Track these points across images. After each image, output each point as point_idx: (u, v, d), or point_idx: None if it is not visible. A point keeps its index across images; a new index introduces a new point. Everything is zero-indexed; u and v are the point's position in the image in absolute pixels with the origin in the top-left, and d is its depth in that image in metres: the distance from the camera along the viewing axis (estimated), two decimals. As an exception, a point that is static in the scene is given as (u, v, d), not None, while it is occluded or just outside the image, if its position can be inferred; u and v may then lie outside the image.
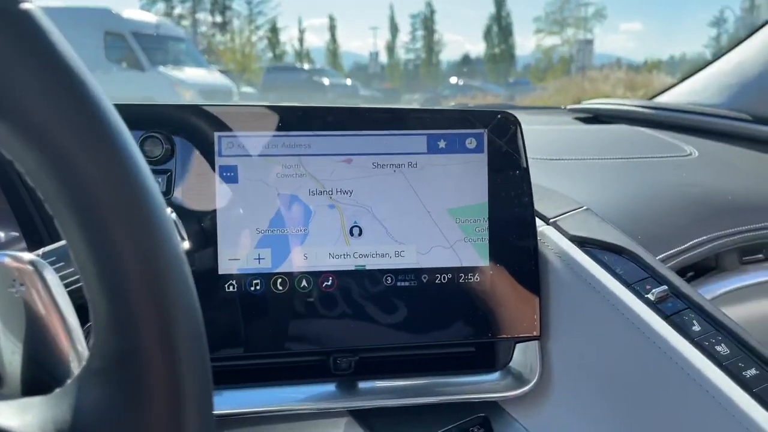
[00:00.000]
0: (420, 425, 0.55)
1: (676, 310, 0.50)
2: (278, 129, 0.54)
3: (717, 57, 1.23)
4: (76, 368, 0.28)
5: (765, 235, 0.83)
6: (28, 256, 0.31)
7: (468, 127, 0.56)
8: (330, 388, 0.56)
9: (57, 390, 0.26)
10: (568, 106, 1.32)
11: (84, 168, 0.23)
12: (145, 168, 0.25)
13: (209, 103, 0.55)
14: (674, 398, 0.46)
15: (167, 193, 0.53)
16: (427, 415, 0.56)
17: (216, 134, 0.53)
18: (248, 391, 0.55)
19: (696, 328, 0.48)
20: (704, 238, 0.76)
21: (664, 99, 1.26)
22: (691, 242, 0.75)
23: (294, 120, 0.54)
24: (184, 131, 0.53)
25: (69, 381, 0.26)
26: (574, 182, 0.77)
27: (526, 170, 0.56)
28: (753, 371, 0.45)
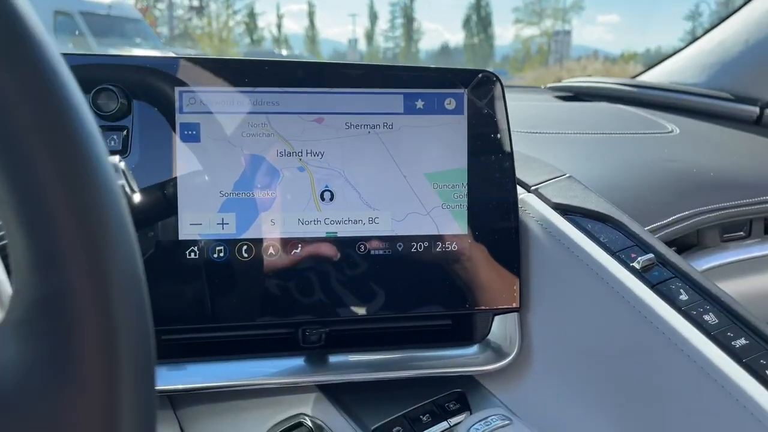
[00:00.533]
0: (393, 401, 0.52)
1: (663, 278, 0.47)
2: (244, 85, 0.50)
3: (698, 36, 1.21)
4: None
5: (746, 212, 0.81)
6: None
7: (447, 86, 0.53)
8: (299, 361, 0.53)
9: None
10: (548, 85, 1.30)
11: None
12: (71, 85, 0.21)
13: (170, 55, 0.51)
14: (660, 370, 0.44)
15: (123, 151, 0.49)
16: (401, 391, 0.53)
17: (177, 89, 0.50)
18: (213, 364, 0.52)
19: (683, 297, 0.46)
20: (686, 213, 0.75)
21: (646, 78, 1.24)
22: (673, 217, 0.73)
23: (262, 75, 0.51)
24: (143, 85, 0.49)
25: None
26: (555, 155, 0.74)
27: (508, 133, 0.54)
28: (742, 341, 0.43)
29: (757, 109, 1.05)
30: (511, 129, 0.54)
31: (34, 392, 0.20)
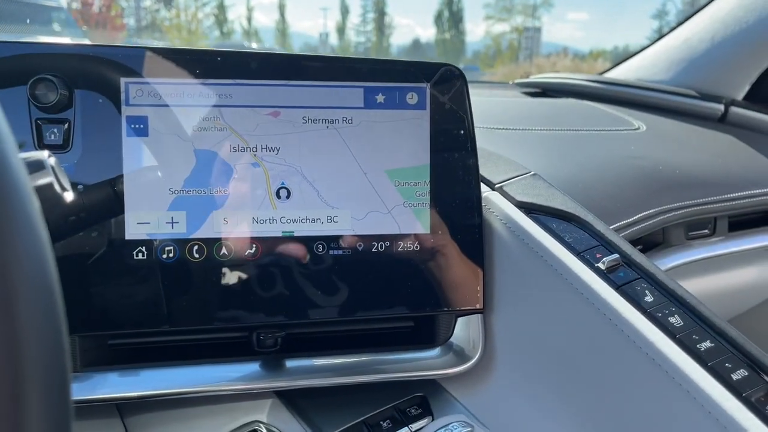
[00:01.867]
0: (353, 406, 0.51)
1: (628, 279, 0.46)
2: (196, 76, 0.48)
3: (665, 34, 1.22)
4: None
5: (710, 209, 0.81)
6: None
7: (409, 80, 0.51)
8: (254, 367, 0.50)
9: None
10: (516, 81, 1.29)
11: None
12: None
13: (117, 44, 0.48)
14: (625, 372, 0.43)
15: (64, 146, 0.46)
16: (361, 395, 0.51)
17: (123, 80, 0.47)
18: (163, 370, 0.49)
19: (648, 298, 0.45)
20: (652, 211, 0.74)
21: (613, 75, 1.24)
22: (639, 215, 0.72)
23: (214, 66, 0.48)
24: (86, 75, 0.46)
25: None
26: (520, 152, 0.73)
27: (472, 130, 0.52)
28: (708, 344, 0.42)
29: (721, 107, 1.06)
30: (476, 125, 0.52)
31: None
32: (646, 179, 0.79)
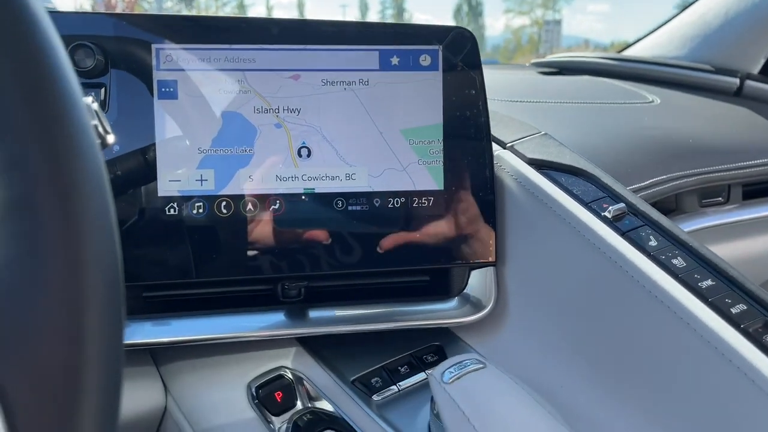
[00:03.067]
0: (372, 354, 0.53)
1: (633, 226, 0.48)
2: (221, 42, 0.51)
3: (681, 10, 1.22)
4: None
5: (724, 177, 0.82)
6: None
7: (422, 43, 0.53)
8: (279, 316, 0.53)
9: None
10: (533, 61, 1.31)
11: None
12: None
13: (146, 12, 0.51)
14: (631, 313, 0.45)
15: (102, 109, 0.49)
16: (380, 345, 0.54)
17: (154, 46, 0.50)
18: (194, 319, 0.52)
19: (652, 243, 0.47)
20: (664, 177, 0.76)
21: (629, 53, 1.25)
22: (650, 180, 0.74)
23: (238, 32, 0.51)
24: (120, 42, 0.50)
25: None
26: (534, 122, 0.75)
27: (483, 90, 0.54)
28: (709, 282, 0.44)
29: (737, 81, 1.06)
30: (492, 98, 0.55)
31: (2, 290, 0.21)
32: (658, 147, 0.80)
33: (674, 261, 0.45)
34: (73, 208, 0.22)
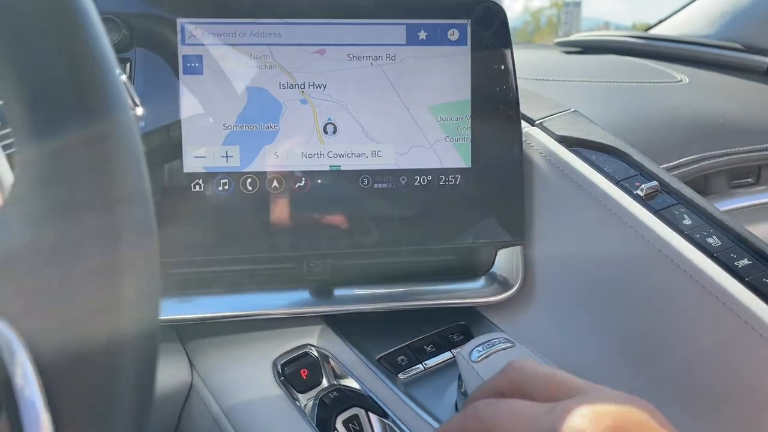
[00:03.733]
0: (398, 333, 0.53)
1: (666, 204, 0.47)
2: (246, 16, 0.50)
3: (710, -12, 1.19)
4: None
5: (754, 157, 0.81)
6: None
7: (450, 17, 0.52)
8: (304, 294, 0.53)
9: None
10: (557, 41, 1.28)
11: None
12: None
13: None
14: (664, 292, 0.44)
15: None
16: (405, 324, 0.54)
17: (179, 21, 0.49)
18: (219, 297, 0.52)
19: (687, 221, 0.46)
20: (694, 156, 0.74)
21: (658, 31, 1.23)
22: (679, 160, 0.72)
23: (264, 7, 0.50)
24: (144, 17, 0.49)
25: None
26: (560, 100, 0.74)
27: (512, 65, 0.53)
28: (745, 261, 0.43)
29: (767, 60, 1.04)
30: (517, 76, 0.53)
31: (41, 254, 0.21)
32: (687, 127, 0.78)
33: (709, 240, 0.44)
34: (111, 174, 0.21)
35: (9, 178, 0.27)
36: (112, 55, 0.23)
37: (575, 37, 1.25)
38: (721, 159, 0.77)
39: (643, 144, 0.72)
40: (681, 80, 0.94)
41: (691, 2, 1.20)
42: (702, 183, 0.80)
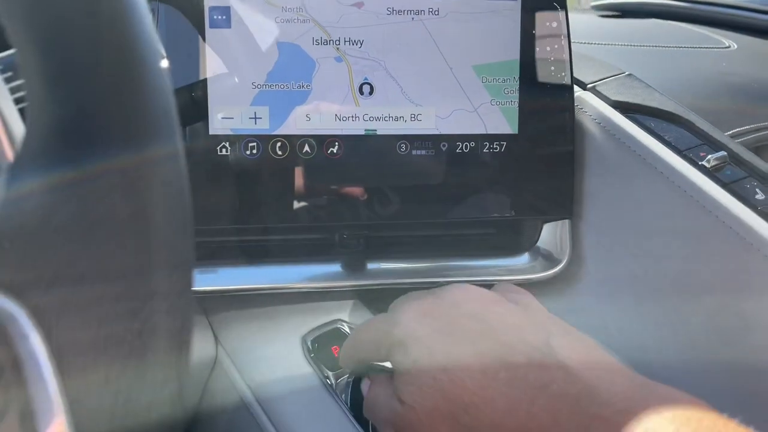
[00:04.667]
0: (435, 310, 0.50)
1: (736, 177, 0.43)
2: (278, -36, 0.46)
3: (758, -51, 1.12)
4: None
5: (809, 129, 0.76)
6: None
7: (499, -29, 0.48)
8: (335, 267, 0.50)
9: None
10: (592, 4, 1.22)
11: None
12: None
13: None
14: (736, 273, 0.40)
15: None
16: (443, 300, 0.50)
17: (205, -31, 0.45)
18: (246, 268, 0.49)
19: (760, 196, 0.42)
20: (746, 128, 0.69)
21: (698, -5, 1.16)
22: (732, 131, 0.68)
23: (297, -45, 0.46)
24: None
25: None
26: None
27: (566, 24, 0.49)
28: (828, 241, 0.39)
29: (820, 26, 0.98)
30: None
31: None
32: (738, 96, 0.74)
33: (787, 217, 0.40)
34: (137, 120, 0.18)
35: (21, 131, 0.23)
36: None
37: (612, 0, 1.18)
38: (775, 130, 0.72)
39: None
40: (729, 46, 0.89)
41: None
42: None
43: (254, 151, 0.47)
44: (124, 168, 0.19)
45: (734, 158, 0.45)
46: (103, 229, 0.19)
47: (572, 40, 0.78)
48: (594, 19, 1.06)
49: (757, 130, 0.71)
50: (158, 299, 0.20)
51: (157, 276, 0.20)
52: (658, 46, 0.83)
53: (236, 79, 0.46)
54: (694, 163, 0.44)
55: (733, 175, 0.43)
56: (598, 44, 0.79)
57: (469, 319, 0.33)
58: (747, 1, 1.06)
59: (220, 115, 0.46)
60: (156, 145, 0.20)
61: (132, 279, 0.20)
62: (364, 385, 0.41)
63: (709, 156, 0.44)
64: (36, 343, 0.17)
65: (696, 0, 1.07)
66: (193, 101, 0.46)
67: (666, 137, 0.46)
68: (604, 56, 0.75)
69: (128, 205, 0.19)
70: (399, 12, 0.47)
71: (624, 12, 1.13)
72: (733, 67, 0.81)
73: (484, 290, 0.36)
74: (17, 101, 0.29)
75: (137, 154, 0.20)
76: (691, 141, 0.46)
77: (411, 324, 0.34)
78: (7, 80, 0.29)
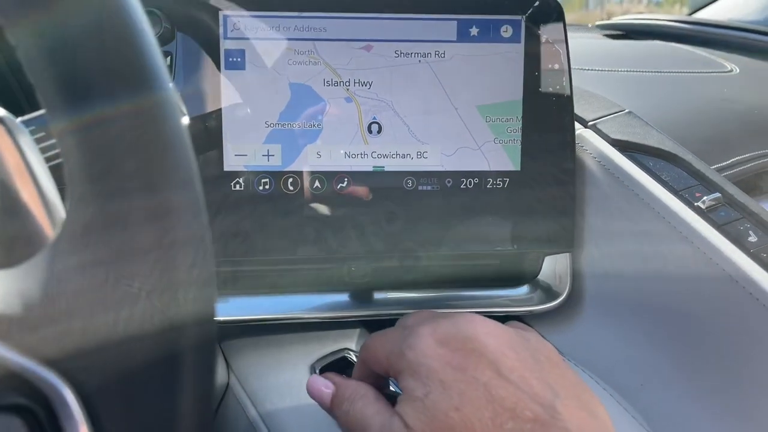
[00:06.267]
0: (439, 339, 0.51)
1: (730, 219, 0.45)
2: (291, 9, 0.48)
3: (762, -30, 1.14)
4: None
5: (810, 155, 0.77)
6: (-3, 112, 0.26)
7: (503, 12, 0.49)
8: (343, 297, 0.52)
9: (27, 261, 0.21)
10: (597, 23, 1.24)
11: None
12: None
13: (213, -22, 0.48)
14: (726, 314, 0.42)
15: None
16: (447, 330, 0.52)
17: (221, 14, 0.47)
18: (257, 298, 0.51)
19: (752, 239, 0.43)
20: (747, 155, 0.71)
21: (702, 15, 1.18)
22: (734, 158, 0.69)
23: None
24: (186, 9, 0.47)
25: (42, 250, 0.21)
26: (607, 93, 0.71)
27: (568, 65, 0.50)
28: (817, 285, 0.40)
29: (823, 49, 0.99)
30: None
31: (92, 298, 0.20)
32: (741, 122, 0.75)
33: (777, 260, 0.42)
34: (169, 208, 0.20)
35: (56, 200, 0.25)
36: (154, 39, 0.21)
37: (618, 20, 1.20)
38: (775, 157, 0.73)
39: (696, 141, 0.69)
40: (731, 70, 0.90)
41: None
42: (752, 181, 0.77)
43: (267, 187, 0.49)
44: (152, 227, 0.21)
45: (728, 199, 0.47)
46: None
47: (577, 66, 0.80)
48: (598, 41, 1.07)
49: (758, 157, 0.72)
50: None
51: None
52: (661, 72, 0.85)
53: (250, 118, 0.48)
54: (689, 204, 0.46)
55: (727, 217, 0.45)
56: (602, 70, 0.81)
57: (483, 359, 0.33)
58: (749, 22, 1.08)
59: (234, 153, 0.48)
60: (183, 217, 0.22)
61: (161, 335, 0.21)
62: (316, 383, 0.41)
63: (705, 197, 0.46)
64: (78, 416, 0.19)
65: (699, 22, 1.08)
66: (210, 139, 0.48)
67: (663, 177, 0.48)
68: (607, 83, 0.77)
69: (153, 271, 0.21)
70: (406, 54, 0.49)
71: (628, 32, 1.15)
72: (735, 92, 0.82)
73: (500, 326, 0.36)
74: (48, 159, 0.31)
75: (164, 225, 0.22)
76: (688, 181, 0.48)
77: (426, 351, 0.34)
78: (39, 140, 0.30)
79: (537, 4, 0.50)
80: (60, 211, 0.25)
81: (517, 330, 0.37)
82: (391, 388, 0.44)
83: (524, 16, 0.49)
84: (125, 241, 0.20)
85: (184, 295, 0.20)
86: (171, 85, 0.21)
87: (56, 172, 0.31)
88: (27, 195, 0.24)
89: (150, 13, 0.46)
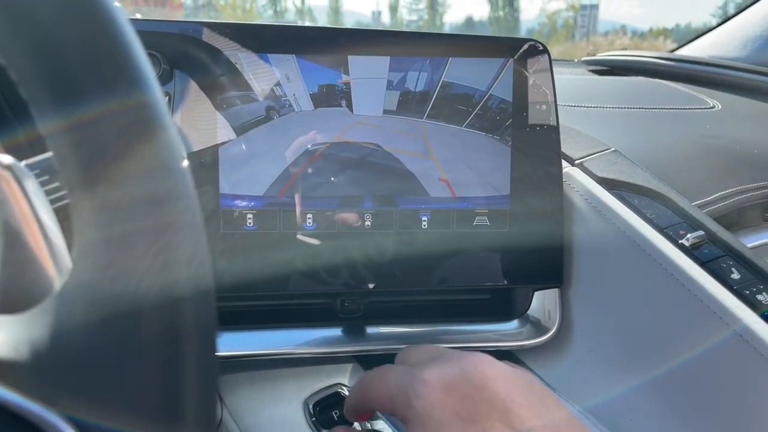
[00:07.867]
0: (431, 374, 0.52)
1: (714, 256, 0.46)
2: (287, 51, 0.49)
3: (741, 9, 1.17)
4: (58, 285, 0.24)
5: (791, 190, 0.79)
6: (5, 159, 0.27)
7: (492, 55, 0.51)
8: (336, 332, 0.53)
9: (35, 307, 0.22)
10: (583, 59, 1.27)
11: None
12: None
13: (215, 20, 0.50)
14: (711, 350, 0.43)
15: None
16: (439, 364, 0.53)
17: (220, 54, 0.49)
18: (251, 333, 0.52)
19: (735, 276, 0.45)
20: (729, 191, 0.72)
21: (684, 52, 1.21)
22: (715, 195, 0.71)
23: (300, 40, 0.50)
24: (185, 52, 0.49)
25: (50, 297, 0.22)
26: (593, 130, 0.73)
27: (555, 106, 0.52)
28: (798, 321, 0.41)
29: (802, 86, 1.02)
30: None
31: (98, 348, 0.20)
32: (722, 158, 0.77)
33: (759, 297, 0.43)
34: (174, 259, 0.21)
35: (61, 245, 0.26)
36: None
37: (603, 56, 1.23)
38: (757, 192, 0.75)
39: (678, 178, 0.70)
40: (713, 106, 0.93)
41: (720, 24, 1.19)
42: (735, 216, 0.79)
43: (258, 222, 0.50)
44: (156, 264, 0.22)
45: (711, 237, 0.48)
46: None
47: (563, 103, 0.82)
48: (584, 77, 1.10)
49: (741, 192, 0.74)
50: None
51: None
52: (645, 108, 0.87)
53: (245, 155, 0.49)
54: (673, 241, 0.47)
55: (711, 254, 0.46)
56: (588, 107, 0.83)
57: (494, 409, 0.32)
58: (730, 59, 1.11)
59: (229, 189, 0.49)
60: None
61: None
62: None
63: (688, 234, 0.47)
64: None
65: (682, 59, 1.11)
66: (207, 178, 0.49)
67: (648, 214, 0.50)
68: (593, 120, 0.79)
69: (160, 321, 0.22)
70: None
71: (613, 68, 1.18)
72: (717, 128, 0.84)
73: (506, 368, 0.35)
74: (53, 201, 0.32)
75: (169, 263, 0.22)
76: (672, 219, 0.49)
77: (434, 403, 0.33)
78: (43, 183, 0.31)
79: (525, 47, 0.51)
80: (65, 257, 0.26)
81: (523, 371, 0.36)
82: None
83: (512, 59, 0.51)
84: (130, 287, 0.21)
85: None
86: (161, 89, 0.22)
87: (60, 213, 0.32)
88: (34, 242, 0.25)
89: (150, 56, 0.47)
